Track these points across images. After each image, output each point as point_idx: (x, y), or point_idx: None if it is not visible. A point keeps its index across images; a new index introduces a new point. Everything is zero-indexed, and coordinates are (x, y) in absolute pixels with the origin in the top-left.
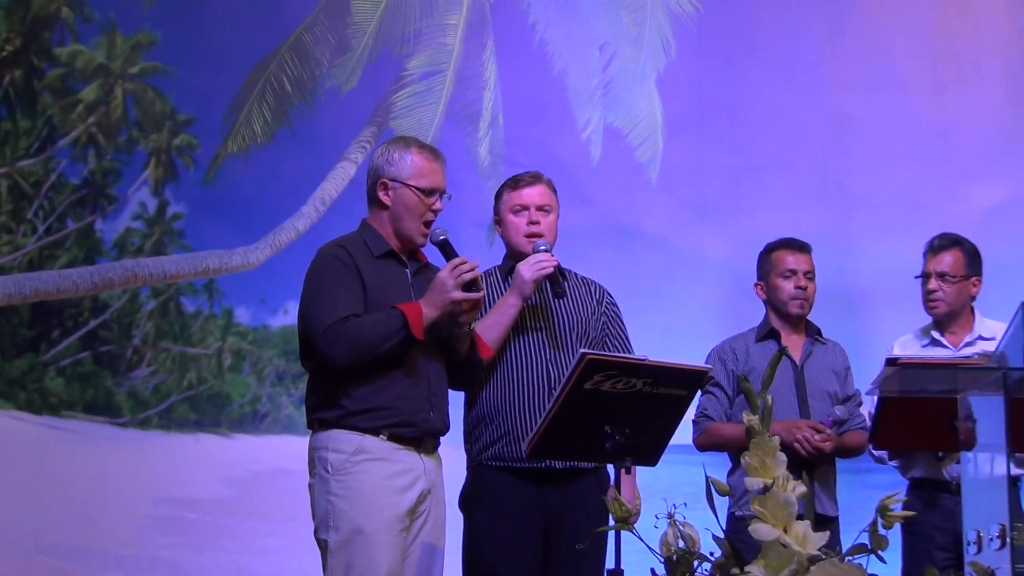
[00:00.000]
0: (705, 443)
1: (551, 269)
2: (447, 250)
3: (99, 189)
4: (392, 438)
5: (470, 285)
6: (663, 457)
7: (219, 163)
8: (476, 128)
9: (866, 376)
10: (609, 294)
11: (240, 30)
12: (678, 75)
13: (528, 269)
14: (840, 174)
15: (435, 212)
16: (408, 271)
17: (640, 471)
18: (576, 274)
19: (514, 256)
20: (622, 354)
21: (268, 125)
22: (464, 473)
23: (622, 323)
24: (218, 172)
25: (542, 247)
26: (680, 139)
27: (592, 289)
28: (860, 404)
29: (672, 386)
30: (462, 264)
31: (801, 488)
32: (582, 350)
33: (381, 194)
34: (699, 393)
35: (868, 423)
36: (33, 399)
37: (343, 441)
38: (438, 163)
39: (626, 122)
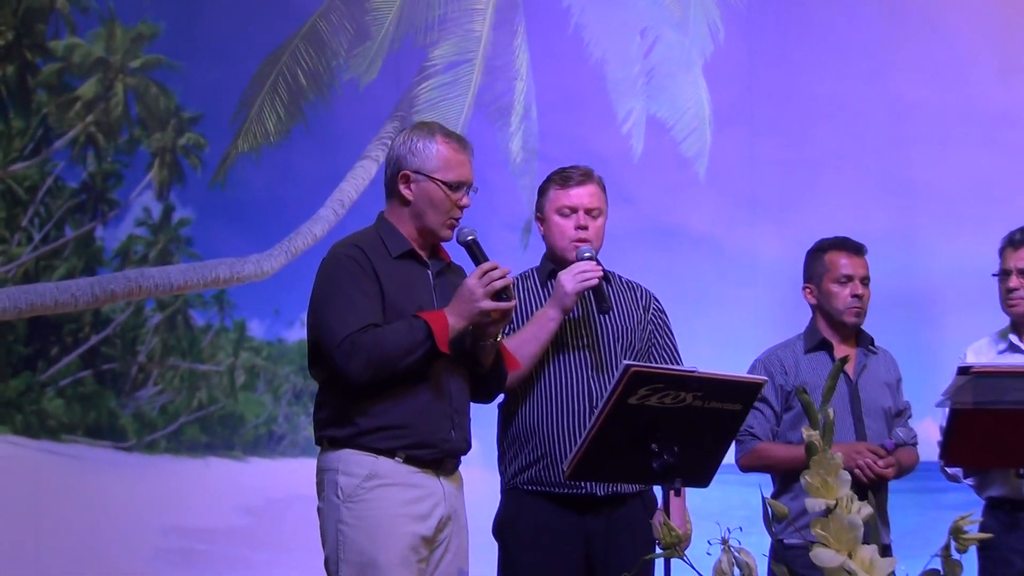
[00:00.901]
0: (751, 464)
1: (596, 281)
2: (475, 252)
3: (99, 193)
4: (409, 460)
5: (500, 293)
6: (715, 477)
7: (229, 164)
8: (507, 122)
9: (934, 387)
10: (656, 300)
11: (250, 19)
12: (726, 62)
13: (570, 280)
14: (902, 166)
15: (461, 208)
16: (430, 272)
17: (690, 493)
18: (620, 277)
19: (555, 259)
20: (670, 366)
21: (281, 122)
22: (497, 497)
23: (671, 332)
24: (228, 173)
25: (586, 254)
26: (729, 131)
27: (638, 295)
28: (910, 417)
29: (725, 400)
30: (492, 270)
31: (867, 509)
32: (626, 362)
33: (402, 187)
34: None
35: (923, 439)
36: (30, 422)
37: (355, 463)
38: (465, 153)
39: (670, 113)
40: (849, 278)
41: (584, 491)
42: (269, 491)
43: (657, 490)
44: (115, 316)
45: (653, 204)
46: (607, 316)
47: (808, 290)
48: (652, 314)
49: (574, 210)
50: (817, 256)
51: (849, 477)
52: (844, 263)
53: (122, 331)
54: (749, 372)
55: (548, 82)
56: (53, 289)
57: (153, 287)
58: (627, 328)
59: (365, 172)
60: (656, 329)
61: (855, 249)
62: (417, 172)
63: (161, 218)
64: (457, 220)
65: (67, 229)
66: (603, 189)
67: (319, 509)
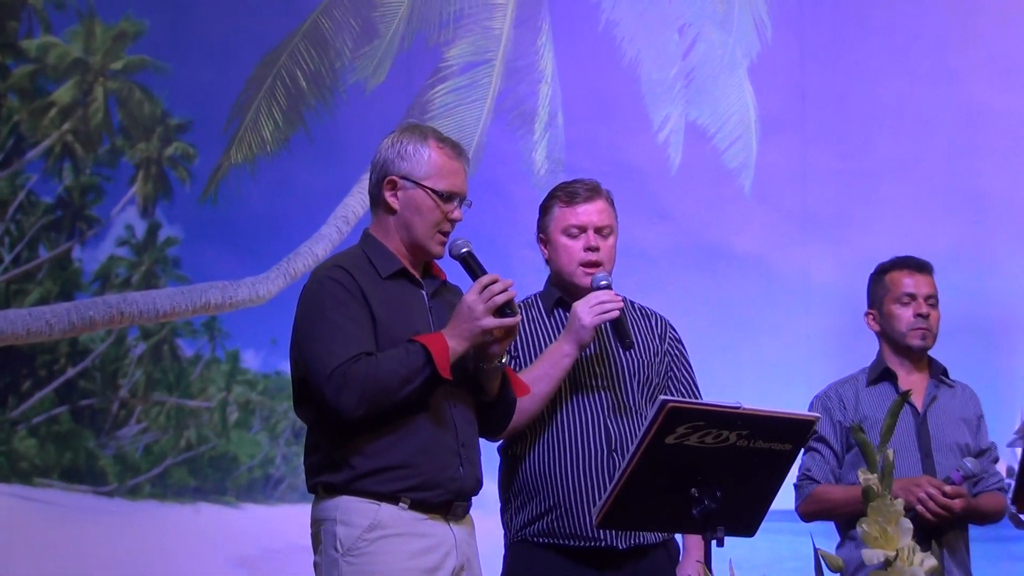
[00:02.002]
0: (811, 511)
1: (616, 312)
2: (472, 266)
3: (77, 210)
4: (415, 506)
5: (503, 308)
6: (762, 525)
7: (221, 176)
8: (530, 129)
9: (1010, 423)
10: (672, 328)
11: (245, 16)
12: (775, 62)
13: (587, 312)
14: (974, 177)
15: (452, 221)
16: (424, 292)
17: (734, 543)
18: (632, 303)
19: (562, 285)
20: (712, 401)
21: (279, 130)
22: (500, 548)
23: (689, 364)
24: (220, 187)
25: (603, 282)
26: (778, 139)
27: (653, 322)
28: (996, 460)
29: (773, 439)
30: (493, 284)
31: (931, 562)
32: (663, 397)
33: (387, 194)
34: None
35: (1008, 482)
36: (0, 464)
37: (354, 512)
38: (460, 161)
39: (712, 120)
40: (912, 297)
41: (604, 544)
42: (266, 541)
43: (679, 538)
44: (94, 346)
45: (693, 221)
46: (625, 351)
47: (871, 316)
48: (669, 344)
49: (582, 230)
50: (878, 278)
51: (911, 526)
52: (906, 281)
53: (102, 363)
54: (808, 410)
55: (576, 85)
56: (25, 316)
57: (136, 314)
58: (644, 362)
59: None
60: (673, 361)
61: (918, 266)
62: (405, 178)
63: (145, 237)
64: (447, 235)
65: (41, 249)
66: (612, 205)
67: (316, 564)
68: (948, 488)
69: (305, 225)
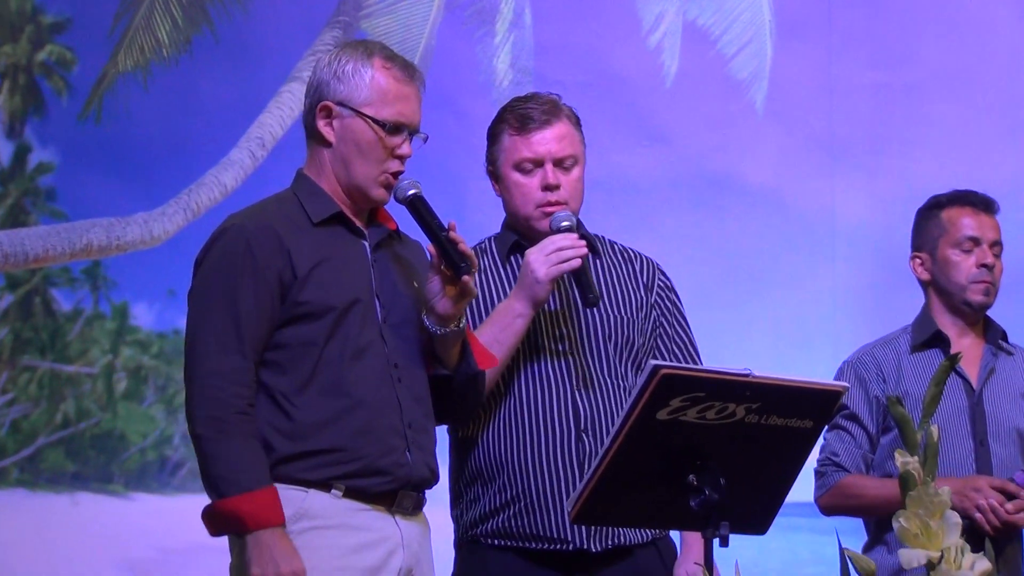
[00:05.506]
0: (834, 504)
1: (578, 262)
2: (421, 211)
3: None
4: (351, 494)
5: (455, 260)
6: (776, 521)
7: (106, 87)
8: (491, 30)
9: None
10: (663, 272)
11: None
12: None
13: (542, 262)
14: None
15: (400, 158)
16: (366, 243)
17: (740, 542)
18: (610, 243)
19: (519, 229)
20: (712, 367)
21: (179, 30)
22: (451, 551)
23: (684, 320)
24: (104, 102)
25: (564, 223)
26: (798, 44)
27: (637, 267)
28: None
29: (790, 414)
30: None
31: (983, 564)
32: (653, 362)
33: (321, 123)
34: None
35: None
36: None
37: None
38: (412, 86)
39: (717, 19)
40: (975, 241)
41: (572, 546)
42: (161, 540)
43: (675, 535)
44: None
45: (693, 144)
46: (588, 308)
47: (918, 261)
48: (658, 295)
49: (538, 163)
50: (931, 215)
51: (959, 520)
52: (967, 222)
53: None
54: (835, 379)
55: None
56: None
57: (1, 258)
58: (624, 320)
59: (294, 100)
60: (663, 316)
61: (984, 204)
62: (342, 104)
63: (12, 163)
64: (395, 176)
65: None
66: (577, 125)
67: (232, 567)
68: (1010, 504)
69: (210, 148)
